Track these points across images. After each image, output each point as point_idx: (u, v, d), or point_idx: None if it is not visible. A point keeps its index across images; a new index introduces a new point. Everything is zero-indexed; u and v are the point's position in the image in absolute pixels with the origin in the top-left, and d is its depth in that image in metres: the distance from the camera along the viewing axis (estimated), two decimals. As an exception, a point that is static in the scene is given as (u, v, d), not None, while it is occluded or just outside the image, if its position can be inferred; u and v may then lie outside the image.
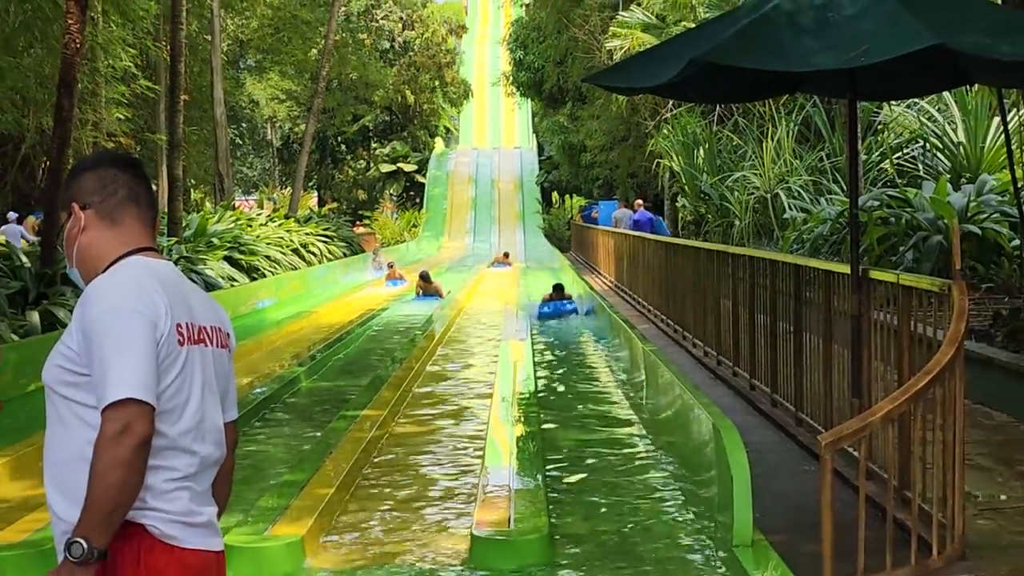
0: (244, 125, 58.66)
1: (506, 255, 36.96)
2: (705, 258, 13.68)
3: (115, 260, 2.83)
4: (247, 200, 56.48)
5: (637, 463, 8.50)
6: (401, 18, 61.23)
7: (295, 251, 26.88)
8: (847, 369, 7.40)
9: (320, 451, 8.66)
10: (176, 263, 16.69)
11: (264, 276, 22.70)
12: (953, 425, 5.61)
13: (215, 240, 22.46)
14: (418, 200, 60.36)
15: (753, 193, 22.14)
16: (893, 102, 19.35)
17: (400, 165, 62.80)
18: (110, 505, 2.55)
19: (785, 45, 6.02)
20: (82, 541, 2.52)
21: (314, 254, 28.38)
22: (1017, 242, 13.35)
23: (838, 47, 5.84)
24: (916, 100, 19.00)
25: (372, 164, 63.85)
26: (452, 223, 54.84)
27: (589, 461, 8.63)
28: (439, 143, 66.43)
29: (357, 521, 7.11)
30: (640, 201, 29.67)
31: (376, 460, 8.84)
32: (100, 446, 2.56)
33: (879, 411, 5.34)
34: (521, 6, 49.18)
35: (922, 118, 19.41)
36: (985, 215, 14.37)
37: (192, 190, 40.57)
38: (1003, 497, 6.92)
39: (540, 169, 58.26)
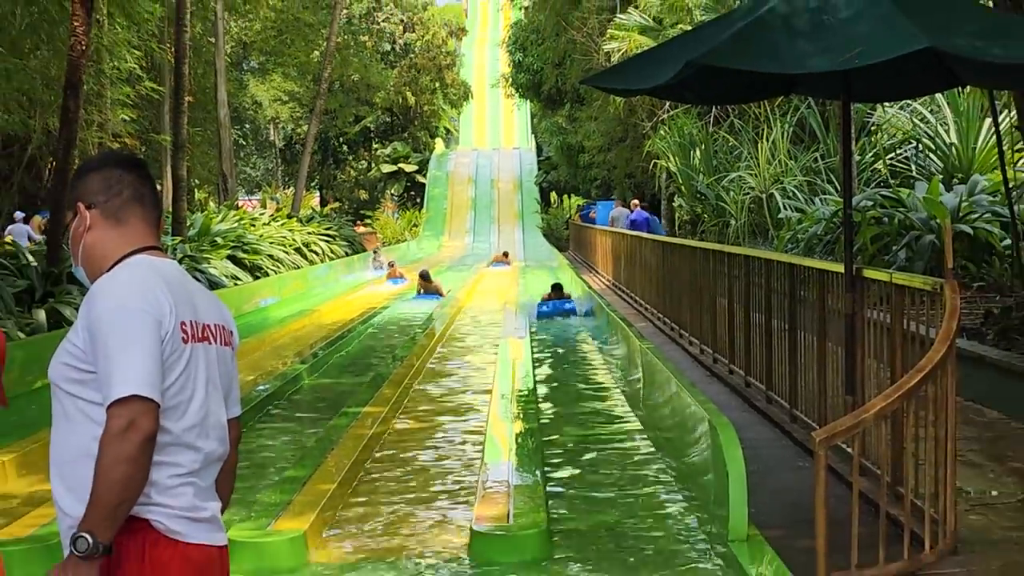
0: (247, 126, 58.69)
1: (505, 254, 36.92)
2: (701, 257, 13.67)
3: (120, 259, 2.84)
4: (250, 200, 56.49)
5: (634, 459, 8.50)
6: (402, 20, 61.21)
7: (298, 250, 26.87)
8: (841, 367, 7.40)
9: (322, 447, 8.66)
10: (180, 262, 16.69)
11: (267, 275, 22.70)
12: (945, 422, 5.61)
13: (219, 239, 22.46)
14: (419, 200, 60.37)
15: (748, 193, 22.15)
16: (886, 104, 19.38)
17: (401, 165, 62.81)
18: (115, 500, 2.55)
19: (780, 47, 6.02)
20: (87, 536, 2.52)
21: (316, 253, 28.37)
22: (1008, 242, 13.35)
23: (832, 49, 5.83)
24: (909, 102, 19.02)
25: (373, 164, 63.86)
26: (452, 223, 54.85)
27: (587, 457, 8.63)
28: (439, 144, 66.42)
29: (359, 516, 7.11)
30: (636, 201, 29.67)
31: (377, 456, 8.84)
32: (105, 442, 2.56)
33: (872, 408, 5.34)
34: (520, 9, 49.25)
35: (915, 119, 19.42)
36: (977, 215, 14.37)
37: (196, 190, 40.58)
38: (994, 493, 6.92)
39: (539, 169, 58.26)
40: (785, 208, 20.06)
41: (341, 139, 62.25)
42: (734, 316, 11.64)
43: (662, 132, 26.89)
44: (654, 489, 7.54)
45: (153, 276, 2.78)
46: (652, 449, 8.67)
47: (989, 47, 5.86)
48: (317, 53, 41.28)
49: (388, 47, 60.04)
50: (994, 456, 7.89)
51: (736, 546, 5.58)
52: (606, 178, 40.19)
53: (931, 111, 19.24)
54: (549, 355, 14.98)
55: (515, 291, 25.41)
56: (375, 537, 6.64)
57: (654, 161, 28.07)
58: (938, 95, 18.15)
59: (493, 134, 68.94)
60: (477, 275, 31.53)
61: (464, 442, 9.43)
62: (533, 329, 17.34)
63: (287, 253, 25.49)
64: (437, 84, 61.53)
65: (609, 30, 28.29)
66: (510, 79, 47.38)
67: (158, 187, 3.26)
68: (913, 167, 18.95)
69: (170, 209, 22.09)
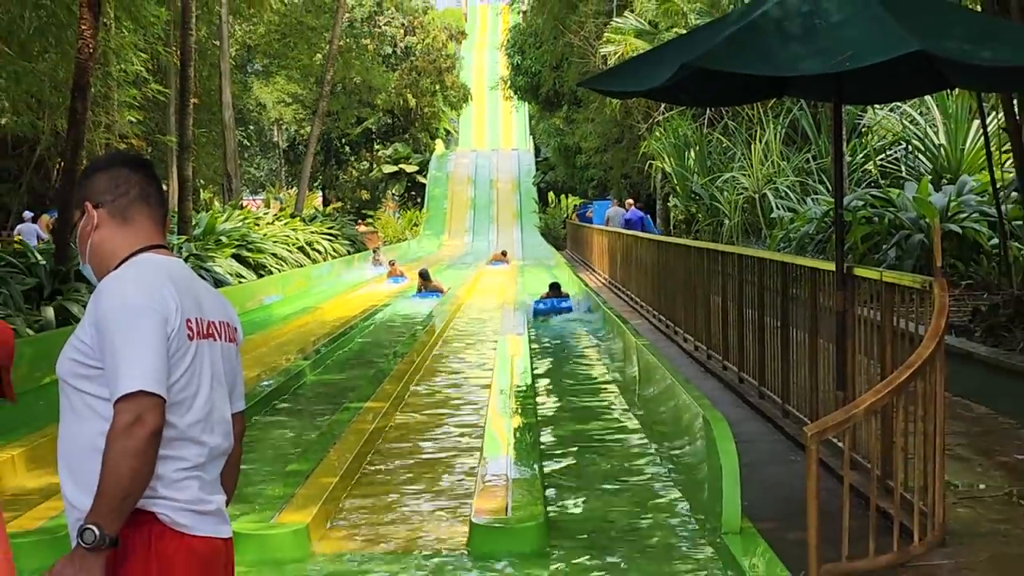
0: (251, 127, 58.61)
1: (503, 253, 36.81)
2: (696, 256, 13.67)
3: (127, 257, 2.83)
4: (254, 200, 56.45)
5: (630, 453, 8.50)
6: (403, 24, 61.18)
7: (301, 249, 26.86)
8: (832, 363, 7.40)
9: (325, 441, 8.65)
10: (186, 260, 16.70)
11: (271, 273, 22.69)
12: (934, 417, 5.61)
13: (223, 238, 22.45)
14: (419, 200, 60.39)
15: (742, 193, 22.15)
16: (877, 106, 19.39)
17: (402, 166, 62.82)
18: (122, 493, 2.55)
19: (773, 51, 6.02)
20: (94, 528, 2.52)
21: (319, 252, 28.36)
22: (996, 241, 13.35)
23: (824, 52, 5.84)
24: (899, 104, 19.02)
25: (375, 165, 63.86)
26: (452, 222, 54.87)
27: (584, 451, 8.63)
28: (439, 145, 66.44)
29: (360, 509, 7.11)
30: (631, 201, 29.69)
31: (379, 450, 8.84)
32: (113, 436, 2.56)
33: (863, 403, 5.34)
34: (519, 13, 49.20)
35: (905, 121, 19.42)
36: (965, 215, 14.37)
37: (201, 190, 40.53)
38: (982, 486, 6.93)
39: (537, 170, 58.26)
40: (778, 208, 20.07)
41: (343, 140, 62.25)
42: (728, 313, 11.65)
43: (657, 133, 26.88)
44: (649, 482, 7.54)
45: (159, 274, 2.78)
46: (647, 443, 8.68)
47: (978, 50, 5.86)
48: (320, 56, 41.27)
49: (389, 50, 60.01)
50: (982, 450, 7.90)
51: (729, 538, 5.58)
52: (603, 178, 40.19)
53: (920, 113, 19.24)
54: (547, 352, 14.98)
55: (514, 289, 25.41)
56: (376, 529, 6.64)
57: (650, 162, 28.07)
58: (927, 97, 18.15)
59: (492, 135, 68.97)
60: (476, 273, 31.53)
61: (463, 436, 9.43)
62: (531, 327, 17.34)
63: (290, 252, 25.47)
64: (437, 86, 61.54)
65: (606, 34, 28.29)
66: (509, 81, 47.43)
67: (164, 187, 3.27)
68: (903, 168, 18.96)
69: (176, 209, 22.08)
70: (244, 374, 3.11)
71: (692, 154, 25.22)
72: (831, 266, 7.53)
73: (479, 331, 17.82)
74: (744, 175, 22.43)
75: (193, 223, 22.93)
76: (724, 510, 5.68)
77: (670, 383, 8.46)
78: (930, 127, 18.82)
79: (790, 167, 21.60)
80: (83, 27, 14.16)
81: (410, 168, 62.83)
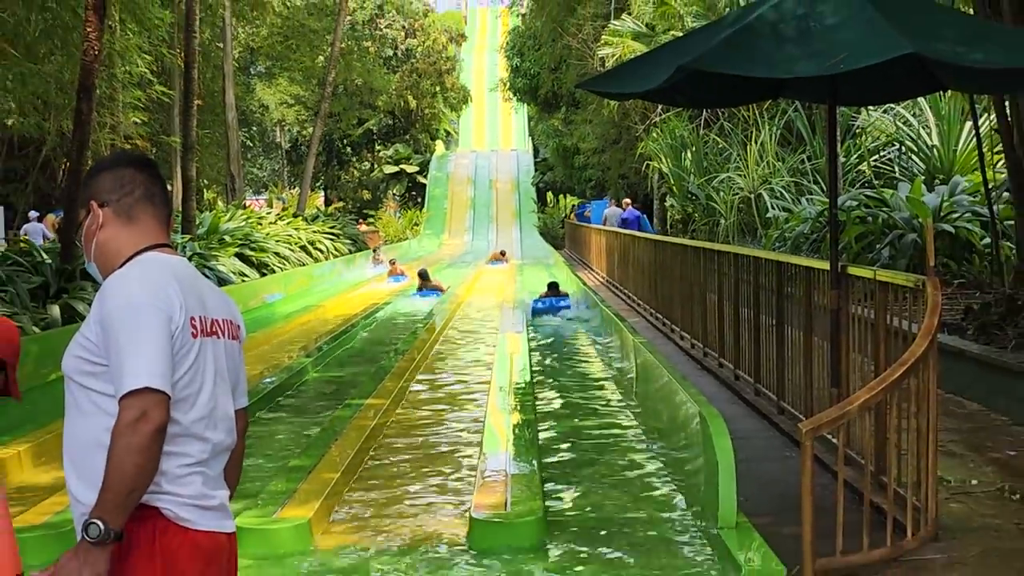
0: (254, 128, 58.58)
1: (502, 253, 36.61)
2: (692, 255, 13.67)
3: (132, 256, 2.83)
4: (257, 199, 56.39)
5: (627, 449, 8.51)
6: (404, 27, 61.18)
7: (303, 248, 26.85)
8: (826, 360, 7.40)
9: (326, 437, 8.65)
10: (190, 259, 16.68)
11: (273, 272, 22.68)
12: (927, 413, 5.61)
13: (227, 237, 22.44)
14: (419, 200, 60.40)
15: (738, 193, 22.15)
16: (871, 107, 19.38)
17: (402, 166, 62.82)
18: (126, 488, 2.55)
19: (768, 53, 6.01)
20: (99, 522, 2.52)
21: (321, 251, 28.35)
22: (988, 240, 13.36)
23: (819, 55, 5.83)
24: (893, 105, 19.02)
25: (376, 166, 63.85)
26: (452, 222, 54.87)
27: (582, 447, 8.63)
28: (440, 146, 66.44)
29: (362, 504, 7.11)
30: (628, 201, 29.72)
31: (379, 446, 8.84)
32: (118, 432, 2.56)
33: (857, 400, 5.35)
34: (518, 16, 49.22)
35: (898, 122, 19.42)
36: (957, 214, 14.37)
37: (205, 190, 40.52)
38: (974, 482, 6.93)
39: (535, 170, 58.27)
40: (773, 208, 20.06)
41: (345, 141, 62.24)
42: (724, 312, 11.65)
43: (654, 134, 26.88)
44: (646, 478, 7.54)
45: (164, 273, 2.77)
46: (644, 439, 8.68)
47: (970, 53, 5.86)
48: (322, 58, 41.26)
49: (390, 52, 60.02)
50: (974, 446, 7.90)
51: (725, 533, 5.58)
52: (600, 179, 40.19)
53: (914, 114, 19.24)
54: (545, 349, 14.98)
55: (513, 288, 25.41)
56: (378, 524, 6.64)
57: (647, 162, 28.07)
58: (920, 99, 18.14)
59: (491, 136, 68.97)
60: (476, 272, 31.53)
61: (463, 433, 9.43)
62: (530, 325, 17.33)
63: (293, 251, 25.47)
64: (437, 88, 61.54)
65: (603, 36, 28.27)
66: (508, 83, 47.42)
67: (168, 187, 3.26)
68: (896, 168, 18.96)
69: (180, 208, 22.09)
70: (247, 371, 3.11)
71: (688, 155, 25.22)
72: (826, 265, 7.53)
73: (478, 329, 17.81)
74: (740, 175, 22.43)
75: (197, 222, 22.93)
76: (720, 505, 5.68)
77: (667, 380, 8.46)
78: (923, 128, 18.81)
79: (785, 167, 21.60)
80: (88, 29, 14.16)
81: (411, 168, 62.83)
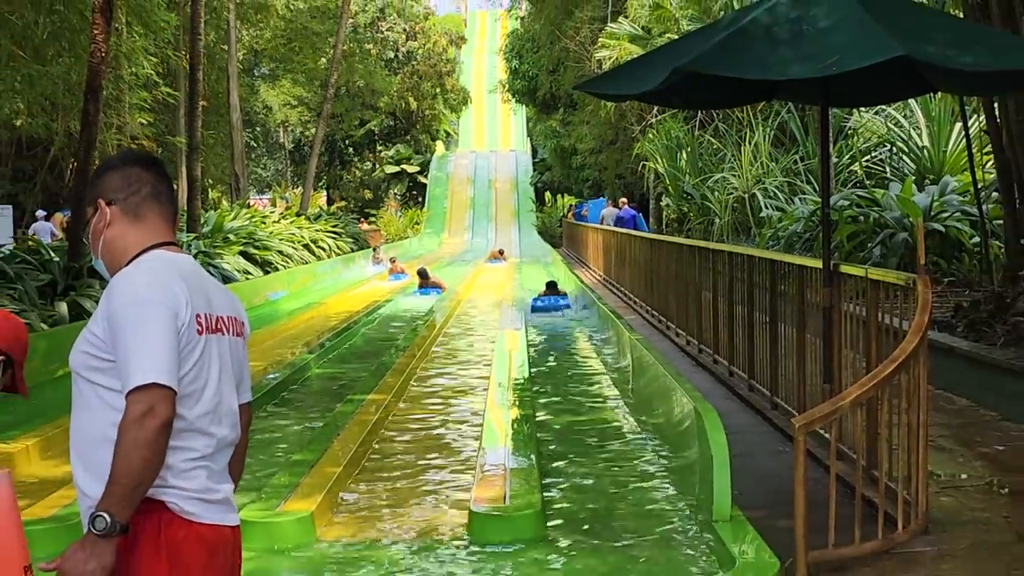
0: (258, 129, 58.58)
1: (501, 252, 36.51)
2: (687, 253, 13.67)
3: (138, 253, 2.83)
4: (261, 199, 56.39)
5: (624, 444, 8.50)
6: (405, 30, 61.14)
7: (306, 246, 26.83)
8: (819, 357, 7.40)
9: (329, 432, 8.65)
10: (195, 257, 16.68)
11: (277, 270, 22.67)
12: (917, 409, 5.62)
13: (231, 236, 22.42)
14: (420, 199, 60.38)
15: (732, 193, 22.15)
16: (863, 108, 19.38)
17: (403, 167, 62.80)
18: (133, 482, 2.54)
19: (762, 55, 6.01)
20: (105, 515, 2.52)
21: (323, 249, 28.33)
22: (977, 239, 13.36)
23: (812, 57, 5.83)
24: (884, 107, 19.01)
25: (377, 166, 63.83)
26: (452, 221, 54.85)
27: (579, 442, 8.63)
28: (440, 146, 66.43)
29: (363, 498, 7.11)
30: (624, 200, 29.72)
31: (381, 441, 8.83)
32: (125, 427, 2.56)
33: (849, 396, 5.35)
34: (516, 19, 49.26)
35: (889, 124, 19.42)
36: (947, 214, 14.38)
37: (210, 189, 40.53)
38: (963, 476, 6.93)
39: (534, 170, 58.25)
40: (766, 207, 20.07)
41: (347, 141, 62.20)
42: (718, 309, 11.65)
43: (650, 135, 26.89)
44: (642, 472, 7.54)
45: (170, 270, 2.77)
46: (641, 434, 8.67)
47: (960, 55, 5.86)
48: (324, 60, 41.24)
49: (391, 55, 59.99)
50: (963, 441, 7.90)
51: (720, 526, 5.58)
52: (597, 179, 40.18)
53: (905, 116, 19.24)
54: (544, 346, 14.97)
55: (511, 286, 25.39)
56: (379, 517, 6.64)
57: (643, 163, 28.06)
58: (911, 101, 18.14)
59: (491, 137, 68.95)
60: (475, 271, 31.51)
61: (463, 428, 9.42)
62: (529, 323, 17.32)
63: (296, 249, 25.45)
64: (438, 90, 61.50)
65: (600, 39, 28.27)
66: (507, 85, 47.40)
67: (174, 186, 3.25)
68: (887, 169, 18.96)
69: (185, 207, 22.06)
70: (251, 367, 3.10)
71: (684, 155, 25.22)
72: (818, 263, 7.53)
73: (478, 327, 17.81)
74: (734, 175, 22.43)
75: (202, 221, 22.92)
76: (715, 499, 5.68)
77: (663, 376, 8.46)
78: (914, 129, 18.81)
79: (778, 168, 21.60)
80: (95, 32, 14.15)
81: (411, 169, 62.81)
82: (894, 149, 19.17)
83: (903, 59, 5.58)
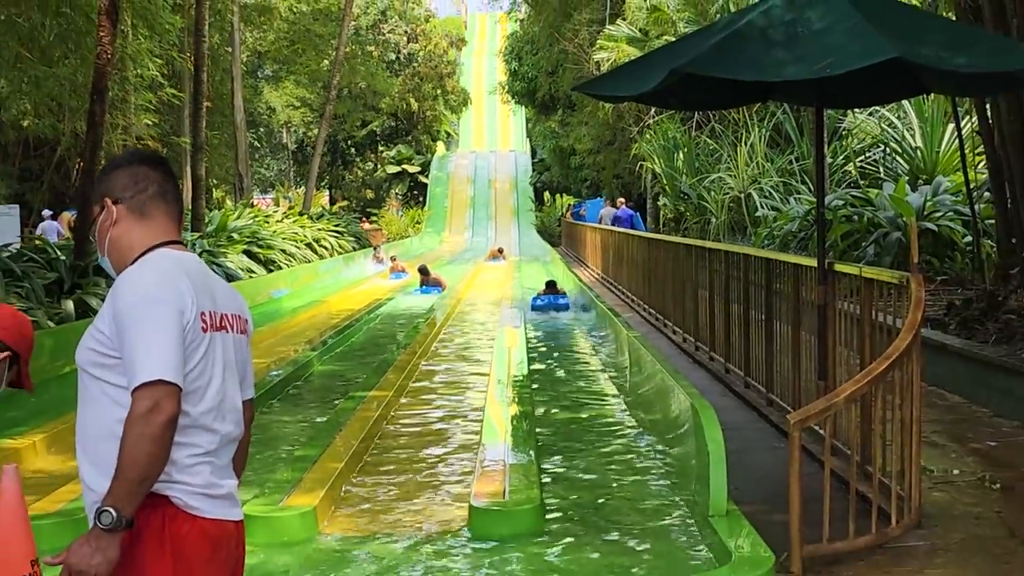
0: (262, 129, 58.54)
1: (500, 250, 36.39)
2: (684, 252, 13.67)
3: (144, 252, 2.82)
4: (264, 198, 56.39)
5: (621, 440, 8.50)
6: (406, 32, 61.10)
7: (308, 245, 26.81)
8: (814, 354, 7.40)
9: (331, 428, 8.65)
10: (200, 256, 16.69)
11: (280, 268, 22.66)
12: (911, 405, 5.62)
13: (235, 235, 22.41)
14: (421, 199, 60.36)
15: (728, 193, 22.15)
16: (857, 110, 19.37)
17: (405, 167, 62.78)
18: (139, 477, 2.54)
19: (758, 57, 6.01)
20: (111, 510, 2.51)
21: (326, 248, 28.32)
22: (969, 238, 13.37)
23: (807, 59, 5.83)
24: (878, 108, 19.01)
25: (379, 166, 63.81)
26: (452, 220, 54.83)
27: (577, 438, 8.63)
28: (440, 146, 66.40)
29: (365, 493, 7.11)
30: (622, 200, 29.71)
31: (382, 437, 8.83)
32: (131, 423, 2.55)
33: (843, 392, 5.35)
34: (516, 21, 49.23)
35: (883, 124, 19.42)
36: (940, 213, 14.38)
37: (214, 189, 40.46)
38: (956, 471, 6.93)
39: (533, 170, 58.21)
40: (762, 207, 20.07)
41: (349, 142, 62.17)
42: (715, 307, 11.64)
43: (648, 136, 26.88)
44: (640, 467, 7.54)
45: (176, 268, 2.77)
46: (638, 430, 8.67)
47: (953, 57, 5.86)
48: (327, 62, 41.19)
49: (393, 56, 59.94)
50: (955, 437, 7.91)
51: (716, 521, 5.58)
52: (595, 179, 40.17)
53: (898, 117, 19.24)
54: (543, 344, 14.97)
55: (511, 284, 25.39)
56: (381, 512, 6.64)
57: (640, 163, 28.06)
58: (905, 102, 18.14)
59: (491, 138, 68.92)
60: (475, 269, 31.50)
61: (463, 424, 9.42)
62: (528, 321, 17.31)
63: (298, 248, 25.44)
64: (438, 91, 61.47)
65: (599, 41, 28.26)
66: (506, 86, 47.39)
67: (179, 185, 3.24)
68: (881, 169, 18.96)
69: (190, 207, 22.03)
70: (254, 364, 3.10)
71: (681, 155, 25.21)
72: (813, 262, 7.52)
73: (478, 324, 17.80)
74: (730, 176, 22.43)
75: (206, 220, 22.91)
76: (711, 494, 5.68)
77: (660, 373, 8.46)
78: (907, 130, 18.81)
79: (774, 168, 21.59)
80: (101, 34, 14.14)
81: (412, 168, 62.79)
82: (888, 150, 19.17)
83: (897, 61, 5.58)
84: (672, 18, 25.65)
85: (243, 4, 34.03)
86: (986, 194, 13.17)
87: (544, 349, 14.38)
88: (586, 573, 5.43)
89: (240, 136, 33.17)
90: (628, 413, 9.43)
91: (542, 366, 12.74)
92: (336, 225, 31.87)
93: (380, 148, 64.26)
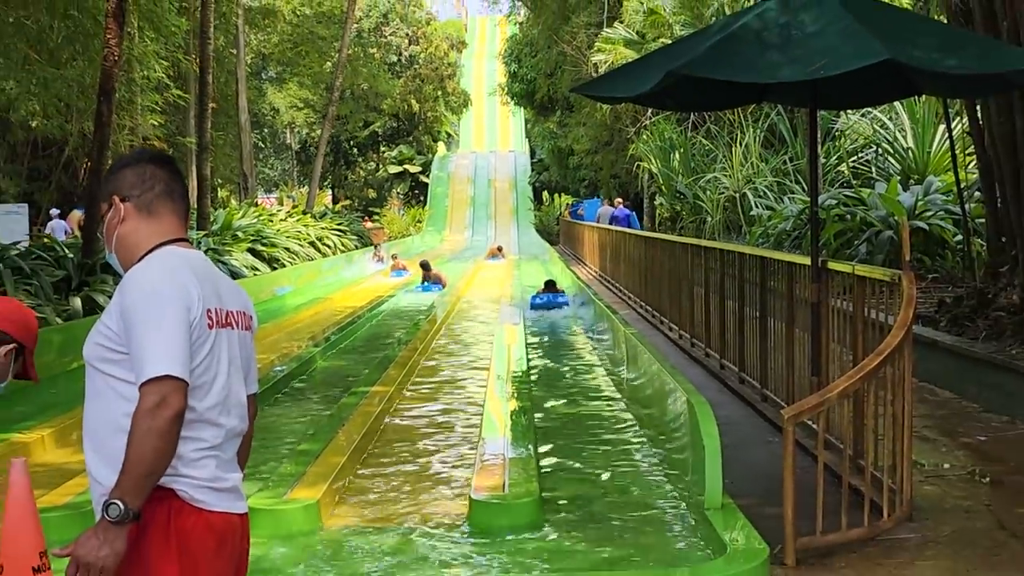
0: (266, 130, 58.50)
1: (500, 249, 36.31)
2: (680, 251, 13.67)
3: (151, 249, 2.81)
4: (268, 198, 56.37)
5: (619, 434, 8.50)
6: (407, 34, 61.04)
7: (311, 244, 26.82)
8: (807, 350, 7.40)
9: (334, 423, 8.65)
10: (205, 254, 16.70)
11: (283, 266, 22.67)
12: (902, 401, 5.62)
13: (240, 233, 22.42)
14: (422, 198, 60.34)
15: (723, 193, 22.14)
16: (850, 111, 19.36)
17: (406, 167, 62.74)
18: (146, 471, 2.54)
19: (753, 59, 6.00)
20: (119, 503, 2.51)
21: (328, 246, 28.31)
22: (960, 237, 13.36)
23: (800, 61, 5.82)
24: (870, 109, 19.00)
25: (381, 166, 63.77)
26: (453, 219, 54.80)
27: (575, 433, 8.62)
28: (441, 147, 66.36)
29: (367, 486, 7.11)
30: (620, 200, 29.70)
31: (384, 431, 8.83)
32: (139, 417, 2.55)
33: (836, 388, 5.35)
34: (515, 24, 49.17)
35: (875, 125, 19.41)
36: (931, 213, 14.37)
37: (219, 189, 40.46)
38: (946, 465, 6.94)
39: (532, 170, 58.15)
40: (757, 206, 20.05)
41: (351, 142, 62.13)
42: (710, 305, 11.64)
43: (644, 136, 26.85)
44: (637, 462, 7.54)
45: (183, 266, 2.76)
46: (635, 425, 8.67)
47: (944, 59, 5.85)
48: (330, 64, 41.19)
49: (395, 59, 59.88)
50: (946, 432, 7.91)
51: (711, 514, 5.58)
52: (593, 178, 40.15)
53: (890, 118, 19.22)
54: (541, 340, 14.96)
55: (510, 282, 25.38)
56: (382, 505, 6.63)
57: (637, 163, 28.03)
58: (896, 103, 18.12)
59: (490, 138, 68.87)
60: (475, 267, 31.48)
61: (463, 419, 9.42)
62: (527, 318, 17.30)
63: (302, 246, 25.44)
64: (439, 93, 61.43)
65: (596, 43, 28.23)
66: (506, 88, 47.36)
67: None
68: (873, 169, 18.94)
69: (195, 206, 22.05)
70: (258, 359, 3.10)
71: (677, 156, 25.19)
72: (806, 260, 7.52)
73: (478, 321, 17.80)
74: (725, 175, 22.41)
75: (211, 219, 22.93)
76: (707, 488, 5.68)
77: (656, 369, 8.46)
78: (899, 131, 18.80)
79: (768, 168, 21.58)
80: (109, 36, 14.14)
81: (414, 168, 62.75)
82: (880, 150, 19.16)
83: (889, 63, 5.58)
84: (668, 21, 25.63)
85: (248, 7, 34.02)
86: (976, 194, 13.17)
87: (543, 346, 14.38)
88: (584, 565, 5.43)
89: (244, 136, 33.16)
90: (625, 408, 9.43)
91: (541, 362, 12.74)
92: (339, 224, 31.88)
93: (382, 148, 64.21)
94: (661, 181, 25.78)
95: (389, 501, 6.73)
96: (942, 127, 16.93)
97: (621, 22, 28.30)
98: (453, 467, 7.65)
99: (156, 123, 26.81)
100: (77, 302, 12.74)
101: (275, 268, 22.06)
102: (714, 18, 22.10)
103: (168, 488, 2.65)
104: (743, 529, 5.28)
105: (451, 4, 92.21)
